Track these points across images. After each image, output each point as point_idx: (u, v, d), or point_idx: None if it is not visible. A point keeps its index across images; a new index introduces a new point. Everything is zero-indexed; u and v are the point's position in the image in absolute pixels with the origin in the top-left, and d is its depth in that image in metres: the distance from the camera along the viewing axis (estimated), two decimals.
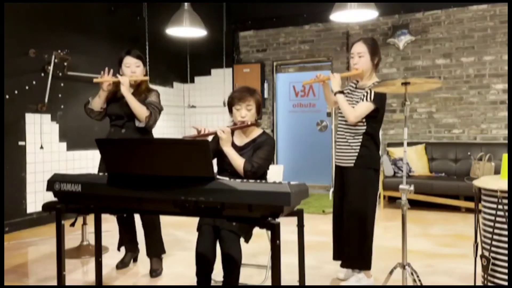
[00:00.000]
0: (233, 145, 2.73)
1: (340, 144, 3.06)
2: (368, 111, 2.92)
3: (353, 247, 2.99)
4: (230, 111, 2.81)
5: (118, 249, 3.63)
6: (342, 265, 3.11)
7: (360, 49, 3.01)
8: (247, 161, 2.62)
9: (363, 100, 2.93)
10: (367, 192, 2.99)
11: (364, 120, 2.96)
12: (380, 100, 2.93)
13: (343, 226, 3.05)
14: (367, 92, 2.93)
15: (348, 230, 3.01)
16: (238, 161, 2.63)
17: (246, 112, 2.72)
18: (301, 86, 7.52)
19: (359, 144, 2.97)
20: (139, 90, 3.40)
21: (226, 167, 2.70)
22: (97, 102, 3.37)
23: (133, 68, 3.38)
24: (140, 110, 3.28)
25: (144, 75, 3.45)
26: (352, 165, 2.98)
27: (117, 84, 3.33)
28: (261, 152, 2.68)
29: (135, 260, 3.66)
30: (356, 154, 2.96)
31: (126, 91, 3.26)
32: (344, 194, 3.06)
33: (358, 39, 3.09)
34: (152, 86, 3.54)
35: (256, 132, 2.80)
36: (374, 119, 2.98)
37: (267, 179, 2.81)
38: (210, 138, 2.71)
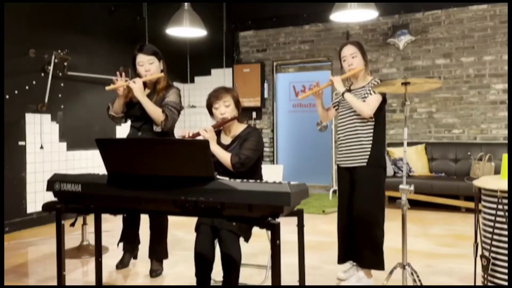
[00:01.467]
0: (220, 145, 2.76)
1: (350, 143, 3.03)
2: (378, 103, 2.97)
3: (370, 248, 2.96)
4: (211, 113, 2.85)
5: (118, 245, 3.62)
6: (360, 265, 3.05)
7: (351, 51, 3.06)
8: (233, 155, 2.64)
9: (369, 94, 2.97)
10: (380, 191, 3.02)
11: (373, 117, 2.98)
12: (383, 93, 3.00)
13: (356, 227, 3.01)
14: (370, 88, 2.98)
15: (364, 230, 2.97)
16: (225, 156, 2.65)
17: (225, 108, 2.76)
18: (301, 86, 7.51)
19: (371, 142, 2.98)
20: (157, 88, 3.21)
21: (217, 167, 2.68)
22: (117, 108, 3.24)
23: (146, 66, 3.19)
24: (155, 114, 3.10)
25: (162, 70, 3.24)
26: (365, 164, 2.96)
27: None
28: (247, 143, 2.70)
29: (135, 257, 3.63)
30: (369, 152, 2.96)
31: (139, 95, 3.08)
32: (353, 195, 3.03)
33: (345, 43, 3.14)
34: None
35: (240, 127, 2.83)
36: (380, 117, 3.01)
37: (262, 176, 2.82)
38: None
